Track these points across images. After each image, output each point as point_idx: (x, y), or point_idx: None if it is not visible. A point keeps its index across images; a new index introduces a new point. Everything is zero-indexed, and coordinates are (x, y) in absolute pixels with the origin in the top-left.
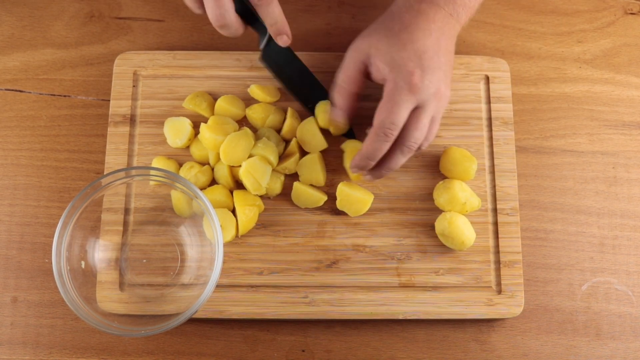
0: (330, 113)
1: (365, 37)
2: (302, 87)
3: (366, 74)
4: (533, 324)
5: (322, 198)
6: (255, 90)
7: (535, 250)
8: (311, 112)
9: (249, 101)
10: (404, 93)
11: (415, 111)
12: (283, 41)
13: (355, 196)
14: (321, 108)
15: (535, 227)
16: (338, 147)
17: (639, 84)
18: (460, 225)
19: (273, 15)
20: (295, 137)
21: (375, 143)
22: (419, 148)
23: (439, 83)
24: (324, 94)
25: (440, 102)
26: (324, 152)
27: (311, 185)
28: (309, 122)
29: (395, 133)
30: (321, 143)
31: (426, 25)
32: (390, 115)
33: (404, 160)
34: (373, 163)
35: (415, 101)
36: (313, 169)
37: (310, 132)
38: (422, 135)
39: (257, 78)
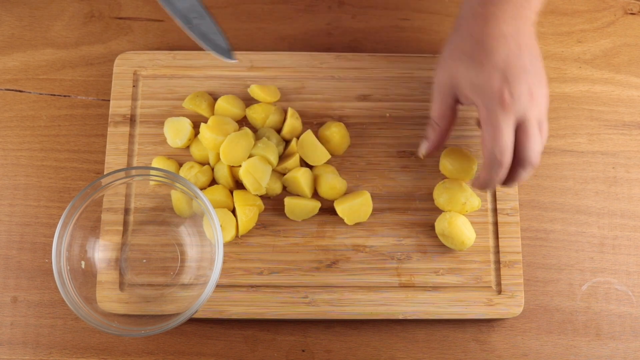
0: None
1: (444, 69)
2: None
3: (456, 104)
4: (533, 324)
5: (316, 206)
6: (255, 90)
7: (535, 250)
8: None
9: (249, 101)
10: (499, 114)
11: (521, 126)
12: None
13: (356, 204)
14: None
15: (535, 227)
16: None
17: (639, 84)
18: (460, 225)
19: None
20: (296, 137)
21: (490, 173)
22: (533, 162)
23: (531, 88)
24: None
25: (540, 106)
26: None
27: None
28: (308, 134)
29: (507, 157)
30: (324, 155)
31: (498, 31)
32: (495, 142)
33: (527, 175)
34: (493, 189)
35: (514, 117)
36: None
37: (311, 145)
38: (537, 146)
39: (257, 78)
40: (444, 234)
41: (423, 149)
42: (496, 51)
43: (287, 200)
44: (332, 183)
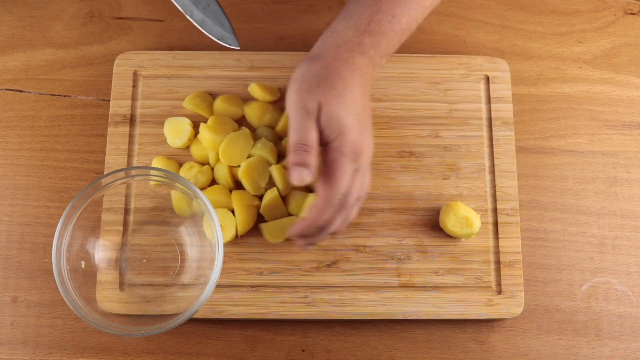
0: (292, 176)
1: (306, 92)
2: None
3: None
4: (533, 324)
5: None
6: (255, 89)
7: (535, 250)
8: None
9: (249, 101)
10: (349, 163)
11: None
12: None
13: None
14: (277, 172)
15: (535, 227)
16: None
17: (639, 84)
18: (466, 211)
19: None
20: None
21: (325, 214)
22: (357, 201)
23: (370, 142)
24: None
25: (365, 157)
26: None
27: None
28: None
29: (344, 204)
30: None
31: (361, 80)
32: (340, 186)
33: (347, 220)
34: (323, 233)
35: (356, 167)
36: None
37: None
38: (362, 190)
39: (257, 78)
40: (454, 218)
41: (305, 176)
42: (359, 101)
43: (263, 226)
44: (300, 201)
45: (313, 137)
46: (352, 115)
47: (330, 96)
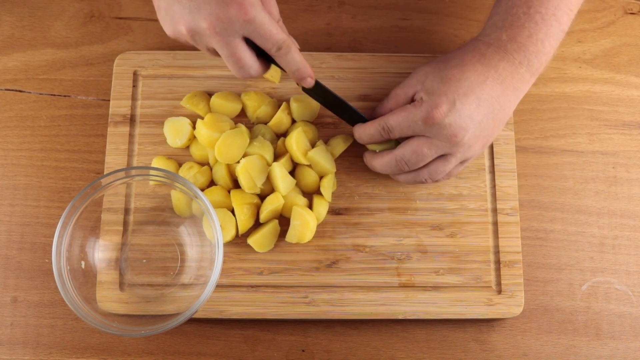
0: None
1: (423, 67)
2: (341, 114)
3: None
4: (533, 324)
5: (277, 228)
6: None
7: (535, 250)
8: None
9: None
10: (418, 116)
11: (421, 138)
12: (307, 83)
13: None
14: (279, 172)
15: (535, 227)
16: None
17: (639, 84)
18: None
19: (293, 62)
20: (284, 137)
21: (369, 129)
22: (425, 181)
23: (462, 131)
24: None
25: (456, 148)
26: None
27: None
28: (298, 133)
29: (387, 135)
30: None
31: (484, 69)
32: (393, 121)
33: (385, 167)
34: (361, 142)
35: (425, 131)
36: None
37: (299, 143)
38: (413, 159)
39: (257, 78)
40: None
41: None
42: (468, 81)
43: (251, 240)
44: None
45: (397, 101)
46: (451, 87)
47: (435, 69)
